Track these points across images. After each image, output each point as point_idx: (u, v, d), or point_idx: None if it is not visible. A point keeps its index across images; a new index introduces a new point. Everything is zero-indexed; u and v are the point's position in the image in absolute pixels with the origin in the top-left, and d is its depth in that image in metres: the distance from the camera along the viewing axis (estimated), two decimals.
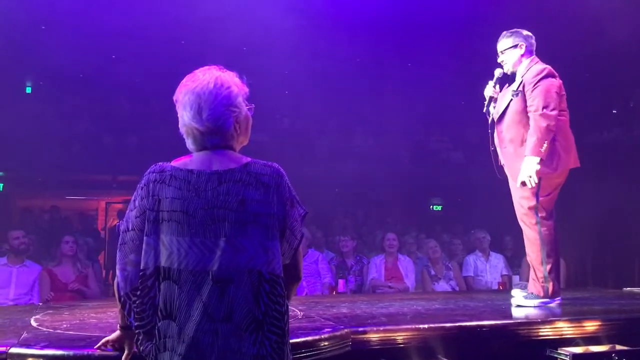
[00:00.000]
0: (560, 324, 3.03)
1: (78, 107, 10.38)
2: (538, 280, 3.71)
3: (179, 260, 1.76)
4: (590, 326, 3.05)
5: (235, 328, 1.73)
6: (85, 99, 10.32)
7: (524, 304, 3.65)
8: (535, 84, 3.61)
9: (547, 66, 3.68)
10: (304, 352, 2.36)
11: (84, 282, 5.68)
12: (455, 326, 2.92)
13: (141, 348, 1.81)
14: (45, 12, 7.40)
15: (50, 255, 5.97)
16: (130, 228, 1.85)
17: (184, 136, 1.95)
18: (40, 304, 4.98)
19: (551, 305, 3.64)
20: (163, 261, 1.78)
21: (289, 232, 1.89)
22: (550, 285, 3.66)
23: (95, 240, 8.35)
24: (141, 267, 1.80)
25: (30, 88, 10.81)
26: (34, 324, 2.85)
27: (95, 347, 2.11)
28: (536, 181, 3.49)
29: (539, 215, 3.67)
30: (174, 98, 1.96)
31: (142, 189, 1.86)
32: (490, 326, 2.94)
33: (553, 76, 3.64)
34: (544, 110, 3.52)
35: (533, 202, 3.67)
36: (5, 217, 9.24)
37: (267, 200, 1.84)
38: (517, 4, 6.91)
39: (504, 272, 6.43)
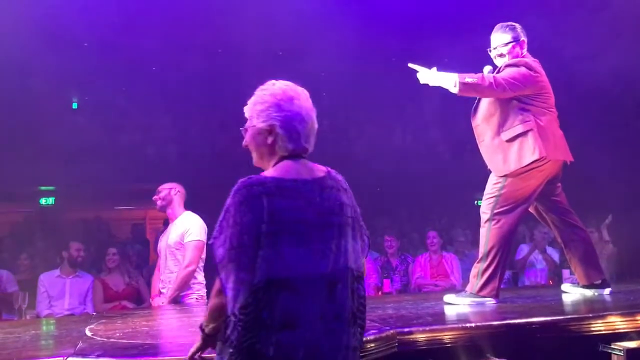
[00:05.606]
0: (612, 318, 2.93)
1: (122, 120, 10.66)
2: (474, 277, 3.57)
3: (297, 269, 1.79)
4: None
5: (344, 325, 1.84)
6: (128, 111, 10.59)
7: (454, 302, 3.52)
8: (507, 66, 3.54)
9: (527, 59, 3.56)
10: None
11: (135, 294, 5.86)
12: (504, 324, 2.87)
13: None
14: (86, 31, 7.62)
15: (103, 265, 6.14)
16: (235, 245, 1.79)
17: (260, 144, 1.98)
18: (94, 313, 5.14)
19: (484, 304, 3.46)
20: (279, 272, 1.77)
21: (362, 232, 2.02)
22: (480, 283, 3.50)
23: (145, 249, 8.54)
24: (254, 283, 1.76)
25: (76, 104, 11.14)
26: (88, 333, 2.95)
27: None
28: (417, 70, 3.46)
29: (495, 210, 3.55)
30: (265, 107, 1.98)
31: (242, 204, 1.81)
32: (540, 323, 2.87)
33: (528, 67, 3.50)
34: (501, 77, 3.44)
35: (494, 194, 3.57)
36: (58, 230, 9.53)
37: (352, 204, 1.98)
38: None
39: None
